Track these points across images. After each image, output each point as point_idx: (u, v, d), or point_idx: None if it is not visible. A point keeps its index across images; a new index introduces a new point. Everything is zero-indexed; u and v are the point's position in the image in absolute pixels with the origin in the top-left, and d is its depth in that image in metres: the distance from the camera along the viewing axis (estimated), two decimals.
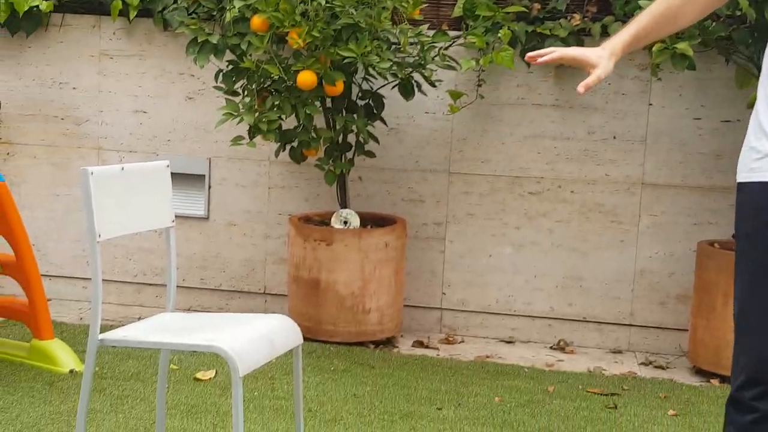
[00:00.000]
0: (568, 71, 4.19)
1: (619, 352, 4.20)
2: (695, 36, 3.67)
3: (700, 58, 3.98)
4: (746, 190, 1.92)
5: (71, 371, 3.48)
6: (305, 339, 3.87)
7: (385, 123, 4.17)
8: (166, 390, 2.65)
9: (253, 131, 3.81)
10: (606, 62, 2.07)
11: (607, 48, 2.09)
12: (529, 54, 2.09)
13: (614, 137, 4.19)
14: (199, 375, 3.53)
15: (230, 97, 3.90)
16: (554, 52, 2.13)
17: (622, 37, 2.09)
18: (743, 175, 1.93)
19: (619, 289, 4.22)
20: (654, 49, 3.65)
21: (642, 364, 4.03)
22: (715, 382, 3.74)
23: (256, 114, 3.77)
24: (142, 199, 2.55)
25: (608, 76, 2.07)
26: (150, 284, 4.57)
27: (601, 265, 4.22)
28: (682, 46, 3.60)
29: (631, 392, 3.58)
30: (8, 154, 4.62)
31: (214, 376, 3.53)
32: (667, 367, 3.97)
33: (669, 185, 4.17)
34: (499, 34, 4.05)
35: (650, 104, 4.16)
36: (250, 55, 3.85)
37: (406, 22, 3.91)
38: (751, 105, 3.69)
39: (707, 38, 3.81)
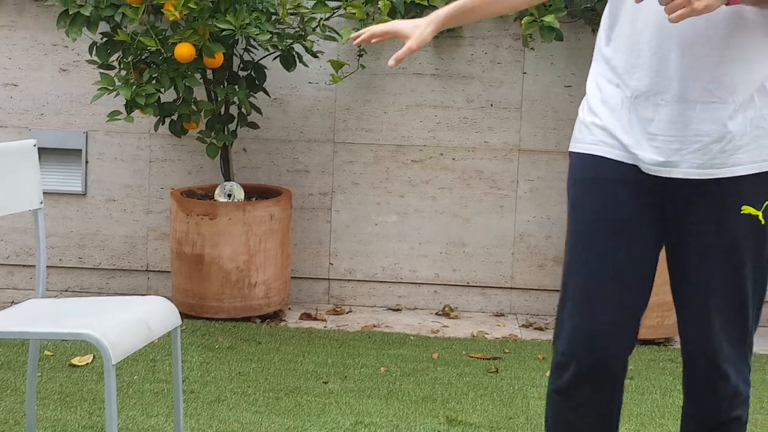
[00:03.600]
0: (447, 41, 4.24)
1: (502, 315, 4.32)
2: (561, 9, 3.77)
3: (570, 29, 4.09)
4: (570, 159, 2.04)
5: None
6: (189, 317, 3.87)
7: (267, 94, 4.14)
8: (37, 379, 2.59)
9: (131, 105, 3.74)
10: (421, 32, 2.08)
11: (427, 18, 2.11)
12: (351, 35, 2.09)
13: (491, 105, 4.27)
14: (75, 361, 3.42)
15: (105, 71, 3.81)
16: (366, 31, 2.16)
17: (447, 8, 2.12)
18: (571, 144, 2.05)
19: (500, 254, 4.33)
20: (523, 21, 3.73)
21: (522, 326, 4.15)
22: None
23: (134, 87, 3.70)
24: (8, 179, 2.48)
25: (424, 45, 2.08)
26: (24, 266, 4.41)
27: (482, 230, 4.31)
28: (548, 18, 3.69)
29: (511, 355, 3.69)
30: None
31: (92, 361, 3.43)
32: (546, 329, 4.10)
33: (544, 151, 4.28)
34: (379, 5, 4.07)
35: (524, 73, 4.25)
36: (125, 27, 3.76)
37: None
38: None
39: (574, 9, 3.93)
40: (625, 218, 1.94)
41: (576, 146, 2.02)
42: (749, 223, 1.87)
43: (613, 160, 1.94)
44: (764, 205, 1.85)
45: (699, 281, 1.95)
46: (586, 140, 1.99)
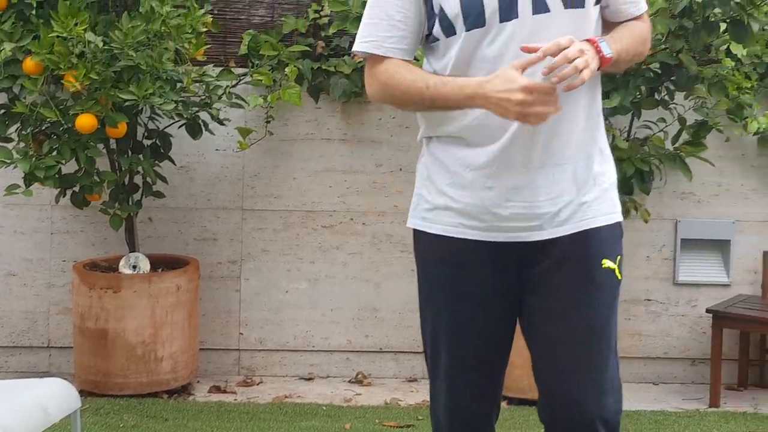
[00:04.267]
0: (355, 106, 4.26)
1: (415, 380, 4.29)
2: None
3: None
4: (422, 239, 2.08)
5: None
6: (93, 395, 3.74)
7: (173, 162, 4.08)
8: None
9: (30, 178, 3.64)
10: None
11: None
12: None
13: (400, 169, 4.28)
14: None
15: (3, 144, 3.70)
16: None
17: None
18: (416, 222, 2.08)
19: (412, 318, 4.29)
20: None
21: None
22: (503, 404, 3.89)
23: (33, 160, 3.60)
24: None
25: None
26: None
27: (394, 294, 4.30)
28: None
29: (425, 422, 3.65)
30: None
31: None
32: None
33: None
34: (286, 71, 4.07)
35: None
36: (24, 98, 3.67)
37: (189, 62, 3.84)
38: None
39: None
40: (484, 293, 2.02)
41: (430, 227, 2.04)
42: (607, 276, 1.98)
43: (469, 239, 1.99)
44: (617, 259, 1.99)
45: (559, 336, 1.99)
46: (442, 222, 2.02)
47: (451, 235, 2.01)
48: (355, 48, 2.04)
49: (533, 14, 1.89)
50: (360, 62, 4.11)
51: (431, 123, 2.04)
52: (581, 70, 1.81)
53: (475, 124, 1.94)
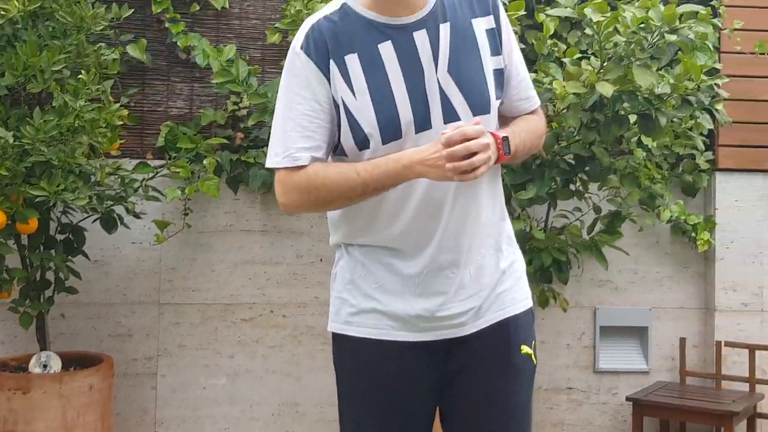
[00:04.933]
0: (274, 197, 4.21)
1: None
2: None
3: None
4: (344, 343, 2.08)
5: None
6: None
7: (87, 257, 3.98)
8: None
9: None
10: None
11: None
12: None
13: (321, 260, 4.26)
14: None
15: None
16: None
17: None
18: (339, 326, 2.08)
19: (333, 412, 4.21)
20: None
21: None
22: None
23: None
24: None
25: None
26: None
27: (315, 388, 4.23)
28: None
29: None
30: None
31: None
32: None
33: None
34: (204, 163, 4.04)
35: None
36: None
37: (103, 156, 3.78)
38: None
39: None
40: (410, 393, 2.04)
41: (356, 330, 2.05)
42: (525, 361, 2.06)
43: (397, 341, 2.02)
44: (533, 344, 2.09)
45: (480, 420, 2.04)
46: (368, 324, 2.03)
47: (378, 337, 2.02)
48: (270, 164, 2.02)
49: (445, 123, 1.95)
50: None
51: (351, 232, 2.05)
52: (477, 168, 1.86)
53: (399, 234, 1.99)
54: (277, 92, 3.95)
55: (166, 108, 4.27)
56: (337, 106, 1.96)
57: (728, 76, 4.16)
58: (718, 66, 4.15)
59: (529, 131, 2.09)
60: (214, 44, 4.19)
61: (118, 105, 3.69)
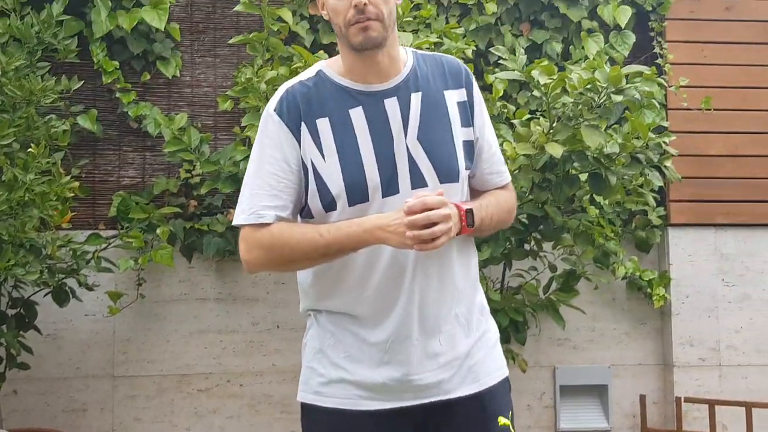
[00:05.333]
0: (230, 263, 4.20)
1: None
2: None
3: None
4: (313, 414, 2.05)
5: None
6: None
7: (39, 332, 3.90)
8: None
9: None
10: None
11: None
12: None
13: (278, 326, 4.22)
14: None
15: None
16: None
17: None
18: (309, 396, 2.06)
19: None
20: None
21: None
22: None
23: None
24: None
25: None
26: None
27: None
28: None
29: None
30: None
31: None
32: None
33: None
34: (158, 232, 4.01)
35: None
36: None
37: (54, 229, 3.74)
38: None
39: None
40: None
41: (325, 401, 2.03)
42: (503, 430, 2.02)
43: (366, 410, 2.00)
44: (510, 414, 2.06)
45: None
46: (337, 395, 2.02)
47: (347, 407, 2.01)
48: (237, 221, 2.03)
49: (412, 189, 1.98)
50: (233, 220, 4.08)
51: (320, 296, 2.06)
52: (437, 238, 1.87)
53: (365, 299, 2.00)
54: (229, 159, 3.99)
55: (117, 178, 4.24)
56: (306, 169, 1.99)
57: (676, 132, 4.23)
58: (665, 123, 4.23)
59: (498, 205, 2.11)
60: (165, 113, 4.19)
61: (68, 177, 3.66)
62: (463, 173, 2.04)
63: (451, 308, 2.03)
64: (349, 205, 1.96)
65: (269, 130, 2.01)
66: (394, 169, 1.97)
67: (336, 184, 1.97)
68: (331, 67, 2.06)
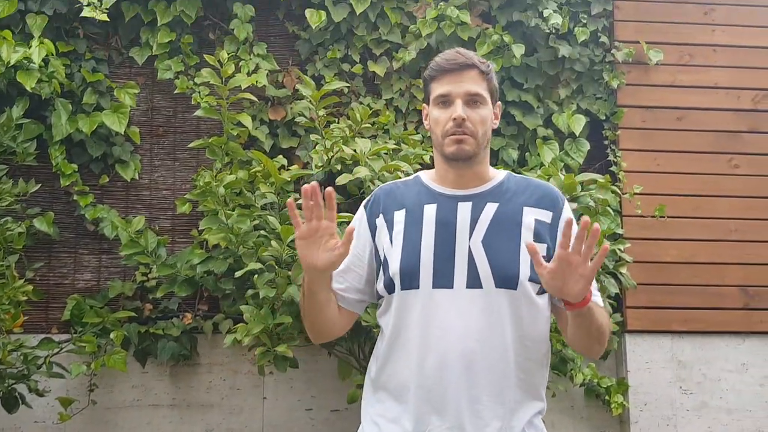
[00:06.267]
0: (185, 368, 4.13)
1: None
2: (295, 337, 3.63)
3: (307, 351, 4.08)
4: None
5: None
6: None
7: None
8: None
9: None
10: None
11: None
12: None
13: None
14: None
15: None
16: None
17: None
18: None
19: None
20: (257, 351, 3.60)
21: None
22: None
23: None
24: None
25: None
26: None
27: None
28: (281, 348, 3.55)
29: None
30: None
31: None
32: None
33: None
34: (112, 337, 3.94)
35: (264, 398, 4.19)
36: None
37: (5, 333, 3.67)
38: (352, 400, 3.81)
39: None
40: None
41: None
42: None
43: None
44: None
45: None
46: None
47: None
48: None
49: (467, 287, 2.06)
50: (189, 324, 4.03)
51: (378, 367, 2.18)
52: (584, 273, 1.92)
53: (389, 372, 2.12)
54: (186, 262, 3.95)
55: (72, 280, 4.19)
56: (378, 256, 2.17)
57: (631, 239, 4.29)
58: (620, 230, 4.29)
59: (604, 318, 2.11)
60: (123, 215, 4.18)
61: (22, 280, 3.61)
62: (525, 283, 2.07)
63: (491, 397, 2.12)
64: (401, 288, 2.09)
65: (356, 219, 2.23)
66: (451, 265, 2.07)
67: (394, 265, 2.11)
68: (428, 173, 2.26)
